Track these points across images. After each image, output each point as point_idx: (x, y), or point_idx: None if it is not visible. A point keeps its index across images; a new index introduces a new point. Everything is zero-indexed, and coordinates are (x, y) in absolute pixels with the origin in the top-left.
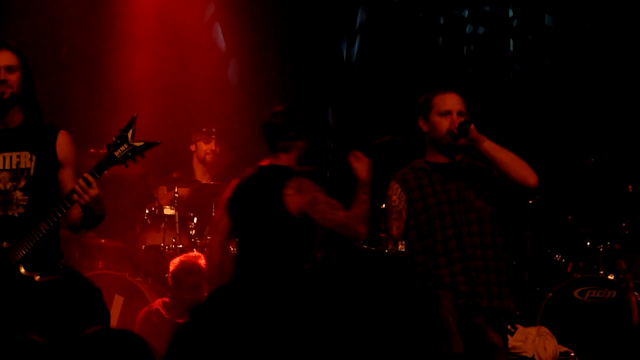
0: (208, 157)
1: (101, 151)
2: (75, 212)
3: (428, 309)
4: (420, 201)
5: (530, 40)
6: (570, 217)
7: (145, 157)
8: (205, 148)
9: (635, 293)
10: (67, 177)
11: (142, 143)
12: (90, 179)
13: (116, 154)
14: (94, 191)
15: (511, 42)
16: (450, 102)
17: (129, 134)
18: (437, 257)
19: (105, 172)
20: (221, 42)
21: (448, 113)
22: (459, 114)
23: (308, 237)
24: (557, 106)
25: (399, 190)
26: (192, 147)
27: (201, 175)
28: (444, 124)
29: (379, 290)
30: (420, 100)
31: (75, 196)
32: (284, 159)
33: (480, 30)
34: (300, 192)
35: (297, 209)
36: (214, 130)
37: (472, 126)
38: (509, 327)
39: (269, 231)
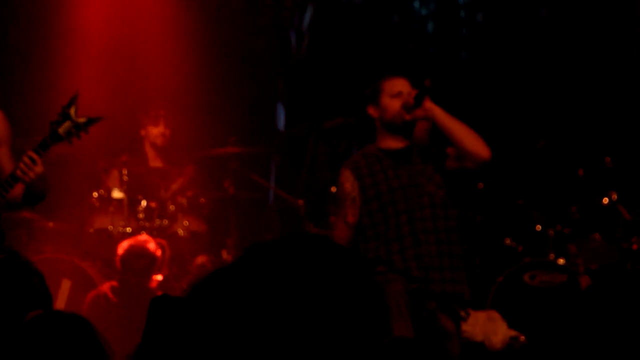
0: (158, 140)
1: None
2: (17, 189)
3: (370, 294)
4: (373, 188)
5: (481, 22)
6: (520, 202)
7: (89, 135)
8: (154, 131)
9: (586, 277)
10: (3, 155)
11: (85, 119)
12: (35, 156)
13: (60, 131)
14: (39, 168)
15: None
16: (401, 84)
17: (72, 111)
18: (389, 243)
19: (50, 149)
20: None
21: (399, 94)
22: (409, 95)
23: None
24: (507, 90)
25: (352, 177)
26: (142, 132)
27: (153, 159)
28: (395, 103)
29: (318, 276)
30: (368, 90)
31: (19, 172)
32: None
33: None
34: None
35: None
36: (162, 112)
37: (427, 97)
38: (461, 312)
39: None
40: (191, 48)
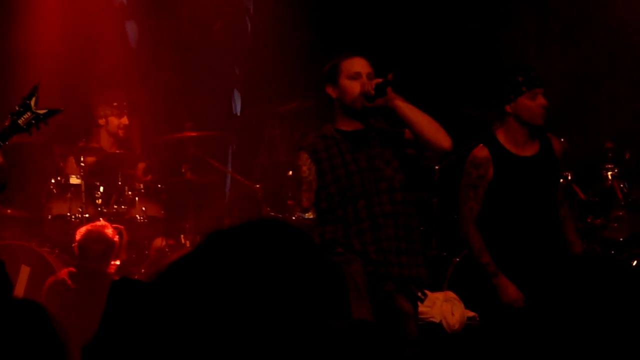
0: (121, 132)
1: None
2: None
3: (328, 276)
4: (330, 173)
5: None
6: None
7: (49, 125)
8: (117, 123)
9: None
10: None
11: (45, 110)
12: None
13: (20, 122)
14: None
15: None
16: (359, 64)
17: (32, 102)
18: (348, 227)
19: (10, 140)
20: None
21: (358, 75)
22: (368, 76)
23: None
24: (466, 69)
25: (309, 160)
26: (102, 122)
27: (110, 145)
28: (354, 86)
29: (276, 260)
30: (326, 67)
31: None
32: None
33: None
34: None
35: None
36: (125, 104)
37: (389, 88)
38: (419, 294)
39: None
40: (147, 33)
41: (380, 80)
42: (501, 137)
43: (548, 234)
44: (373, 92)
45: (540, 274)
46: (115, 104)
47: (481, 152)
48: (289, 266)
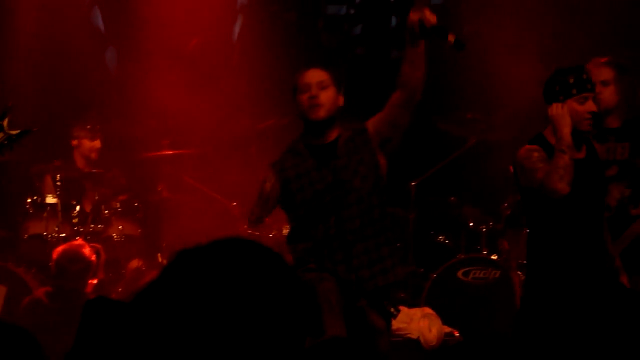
0: (93, 155)
1: None
2: None
3: (299, 295)
4: (299, 192)
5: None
6: (452, 198)
7: (24, 145)
8: (89, 145)
9: (519, 272)
10: None
11: (18, 131)
12: None
13: None
14: None
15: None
16: (309, 76)
17: (5, 123)
18: (318, 247)
19: None
20: (101, 27)
21: (307, 87)
22: (319, 84)
23: None
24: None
25: (274, 178)
26: (74, 142)
27: (83, 164)
28: (303, 99)
29: (246, 279)
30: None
31: None
32: None
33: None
34: None
35: None
36: (98, 127)
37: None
38: (392, 309)
39: None
40: (123, 51)
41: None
42: (551, 138)
43: (599, 241)
44: (432, 23)
45: (589, 296)
46: (88, 126)
47: (531, 147)
48: (257, 285)
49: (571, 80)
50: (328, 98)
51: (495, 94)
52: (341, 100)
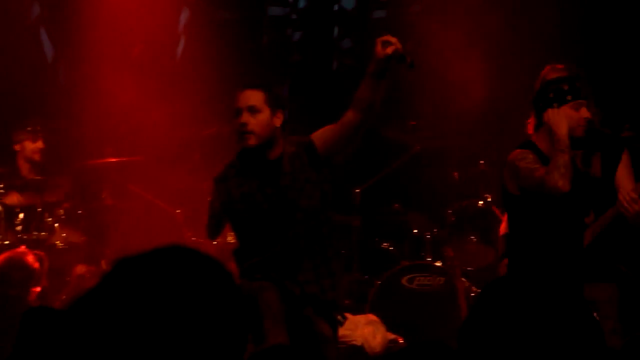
0: (36, 156)
1: None
2: None
3: (238, 304)
4: (244, 212)
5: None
6: (397, 205)
7: None
8: (32, 147)
9: (462, 279)
10: None
11: None
12: None
13: None
14: None
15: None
16: (240, 99)
17: None
18: (265, 264)
19: None
20: (48, 49)
21: (237, 112)
22: (249, 109)
23: None
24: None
25: (220, 196)
26: (17, 147)
27: (27, 171)
28: (235, 122)
29: (185, 288)
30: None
31: None
32: None
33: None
34: None
35: None
36: (39, 128)
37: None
38: (338, 317)
39: None
40: (68, 56)
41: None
42: (541, 144)
43: (580, 246)
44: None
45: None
46: (29, 128)
47: (524, 150)
48: (196, 293)
49: (566, 87)
50: (259, 124)
51: (440, 101)
52: (278, 120)
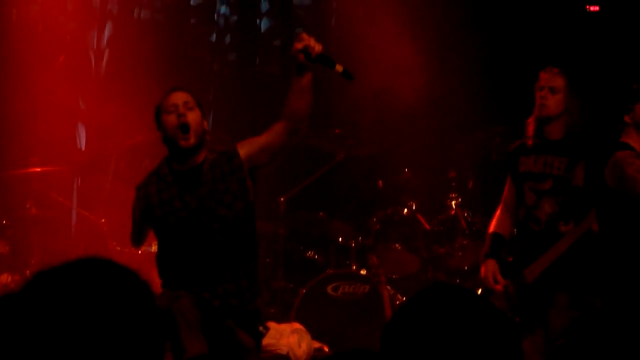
0: None
1: None
2: None
3: (151, 317)
4: (162, 220)
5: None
6: (322, 214)
7: None
8: None
9: (388, 287)
10: None
11: None
12: None
13: None
14: None
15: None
16: (174, 97)
17: None
18: (183, 274)
19: None
20: None
21: (174, 107)
22: (185, 105)
23: None
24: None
25: (140, 205)
26: None
27: None
28: (171, 119)
29: (98, 300)
30: (155, 111)
31: None
32: None
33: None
34: None
35: None
36: None
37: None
38: (260, 328)
39: None
40: None
41: (331, 61)
42: (634, 142)
43: None
44: (317, 51)
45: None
46: None
47: (632, 152)
48: (111, 305)
49: (635, 87)
50: (195, 119)
51: (365, 107)
52: (205, 124)
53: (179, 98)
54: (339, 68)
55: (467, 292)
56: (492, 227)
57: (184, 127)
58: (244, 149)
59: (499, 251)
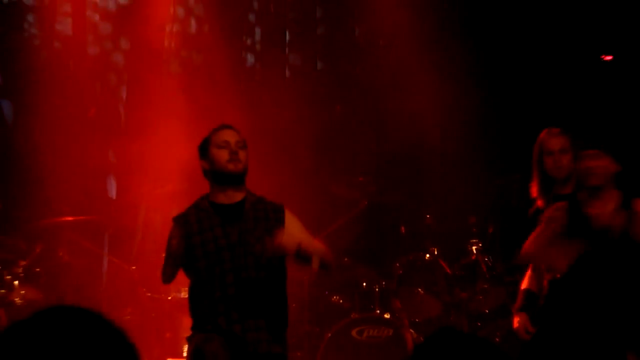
0: None
1: None
2: None
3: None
4: (201, 247)
5: None
6: (346, 259)
7: None
8: None
9: (411, 330)
10: None
11: None
12: None
13: None
14: None
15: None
16: (227, 134)
17: None
18: (215, 304)
19: None
20: (8, 115)
21: (226, 144)
22: (237, 144)
23: None
24: (335, 152)
25: (179, 234)
26: None
27: None
28: (222, 154)
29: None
30: (199, 145)
31: None
32: None
33: None
34: None
35: None
36: None
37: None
38: None
39: None
40: (23, 113)
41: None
42: None
43: None
44: (306, 256)
45: None
46: None
47: None
48: (81, 354)
49: None
50: (245, 158)
51: (387, 158)
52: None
53: (232, 136)
54: (315, 265)
55: (470, 337)
56: (523, 284)
57: (232, 161)
58: (289, 223)
59: (529, 305)
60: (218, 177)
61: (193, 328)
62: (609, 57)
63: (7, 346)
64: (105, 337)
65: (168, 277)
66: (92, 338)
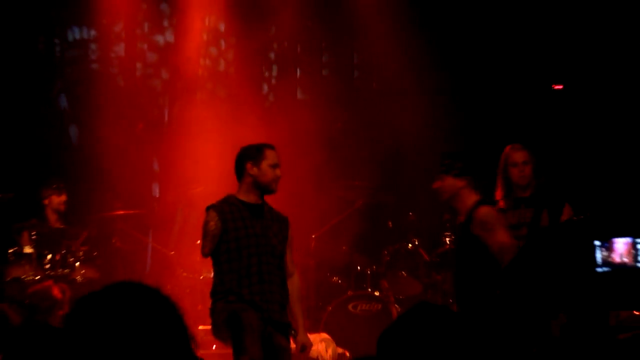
0: (61, 207)
1: None
2: None
3: (176, 330)
4: (233, 231)
5: None
6: (344, 248)
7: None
8: (58, 200)
9: (396, 305)
10: None
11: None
12: None
13: None
14: None
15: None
16: (275, 155)
17: None
18: (241, 278)
19: None
20: (66, 107)
21: (277, 166)
22: (278, 165)
23: None
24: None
25: (216, 217)
26: (46, 201)
27: (54, 221)
28: (274, 173)
29: (130, 317)
30: (248, 147)
31: None
32: None
33: None
34: None
35: None
36: (62, 185)
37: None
38: (292, 331)
39: None
40: (86, 133)
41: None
42: None
43: None
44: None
45: None
46: (54, 185)
47: None
48: (145, 323)
49: None
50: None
51: (382, 164)
52: None
53: (277, 157)
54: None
55: (443, 309)
56: None
57: (276, 184)
58: (289, 234)
59: None
60: (259, 185)
61: (217, 298)
62: (559, 86)
63: (85, 311)
64: (161, 307)
65: (207, 251)
66: (152, 307)
